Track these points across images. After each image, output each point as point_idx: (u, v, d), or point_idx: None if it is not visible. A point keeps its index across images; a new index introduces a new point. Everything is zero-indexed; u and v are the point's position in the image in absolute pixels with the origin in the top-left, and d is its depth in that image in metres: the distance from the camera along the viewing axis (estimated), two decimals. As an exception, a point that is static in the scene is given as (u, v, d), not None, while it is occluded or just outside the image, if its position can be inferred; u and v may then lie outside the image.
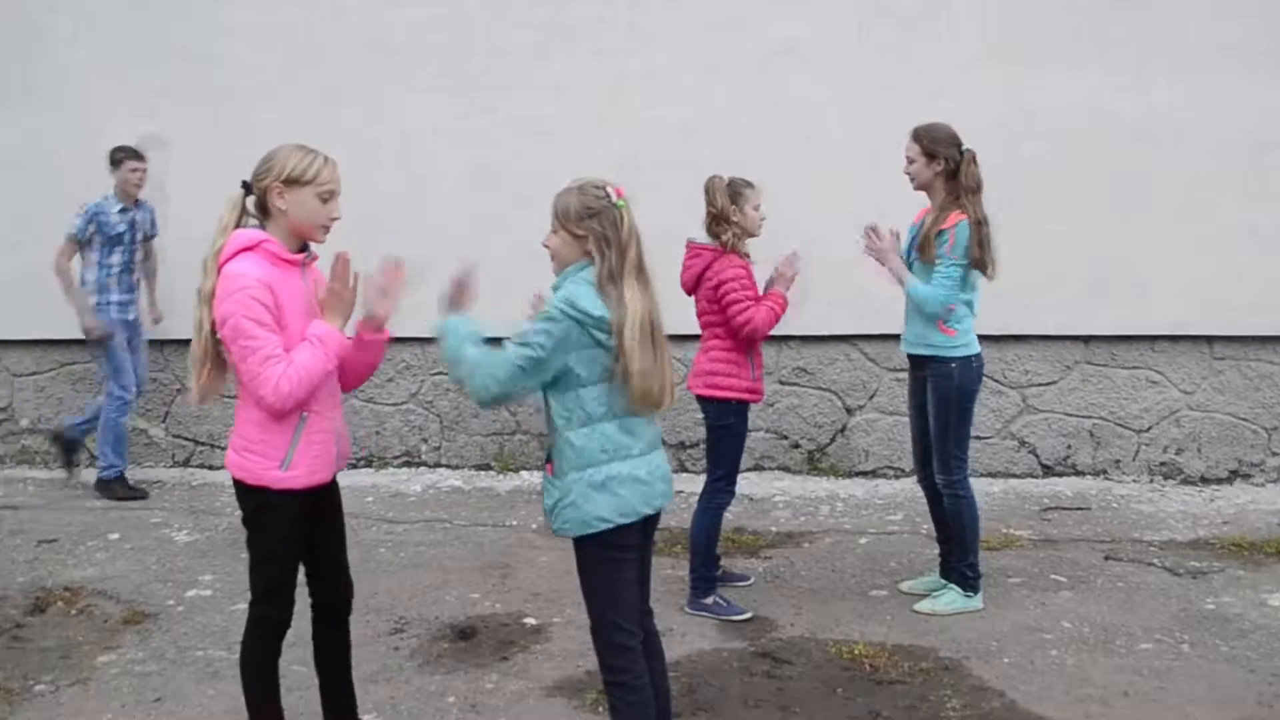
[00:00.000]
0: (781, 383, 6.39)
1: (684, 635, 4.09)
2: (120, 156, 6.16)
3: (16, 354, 6.99)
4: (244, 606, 4.43)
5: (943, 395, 4.21)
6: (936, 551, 4.52)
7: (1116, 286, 5.96)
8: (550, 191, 2.80)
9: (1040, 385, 6.23)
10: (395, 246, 2.91)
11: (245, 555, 2.97)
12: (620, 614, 2.81)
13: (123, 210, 6.16)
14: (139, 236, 6.26)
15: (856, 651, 3.90)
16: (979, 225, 4.11)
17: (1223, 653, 3.87)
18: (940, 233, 4.11)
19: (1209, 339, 6.09)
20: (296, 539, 2.95)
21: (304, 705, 3.35)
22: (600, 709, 3.48)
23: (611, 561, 2.80)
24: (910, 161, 4.21)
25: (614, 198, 2.74)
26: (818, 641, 4.03)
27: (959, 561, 4.31)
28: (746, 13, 6.15)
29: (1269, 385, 6.08)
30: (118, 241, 6.15)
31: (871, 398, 6.34)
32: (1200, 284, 5.95)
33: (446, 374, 2.50)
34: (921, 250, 4.18)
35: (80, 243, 6.09)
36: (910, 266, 4.25)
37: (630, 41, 6.22)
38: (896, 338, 4.54)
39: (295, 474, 2.86)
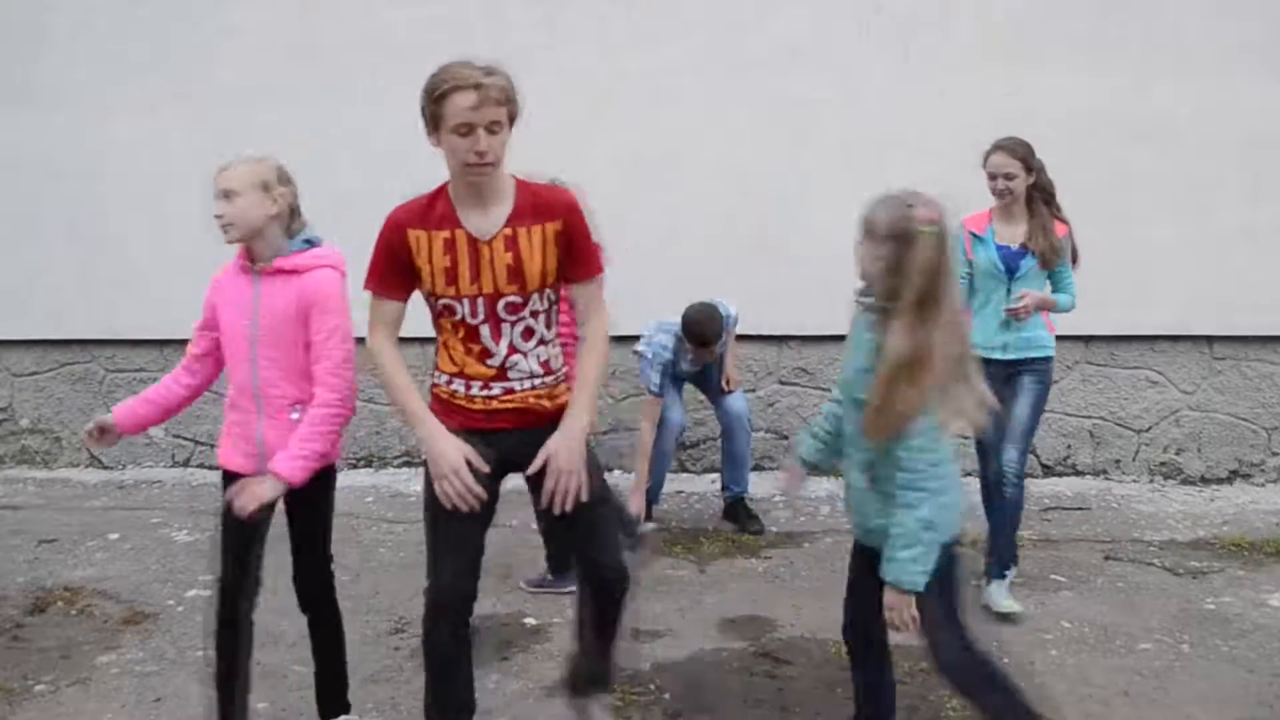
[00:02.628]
0: (781, 383, 6.39)
1: (684, 635, 4.09)
2: None
3: (16, 354, 6.98)
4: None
5: (1044, 389, 4.40)
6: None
7: (1116, 286, 5.95)
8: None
9: (1040, 385, 6.22)
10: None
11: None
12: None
13: None
14: None
15: (856, 651, 3.90)
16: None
17: (1223, 653, 3.88)
18: (1061, 240, 4.28)
19: (1209, 339, 6.08)
20: (224, 519, 2.95)
21: (304, 705, 3.35)
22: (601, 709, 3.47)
23: None
24: (1010, 178, 4.24)
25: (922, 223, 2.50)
26: (818, 641, 4.03)
27: (1007, 551, 4.33)
28: (746, 12, 6.13)
29: (1269, 385, 6.08)
30: None
31: (871, 398, 6.32)
32: (1200, 284, 5.95)
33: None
34: (1046, 261, 4.26)
35: None
36: (1016, 275, 4.29)
37: (630, 41, 6.21)
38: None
39: (219, 450, 3.11)
